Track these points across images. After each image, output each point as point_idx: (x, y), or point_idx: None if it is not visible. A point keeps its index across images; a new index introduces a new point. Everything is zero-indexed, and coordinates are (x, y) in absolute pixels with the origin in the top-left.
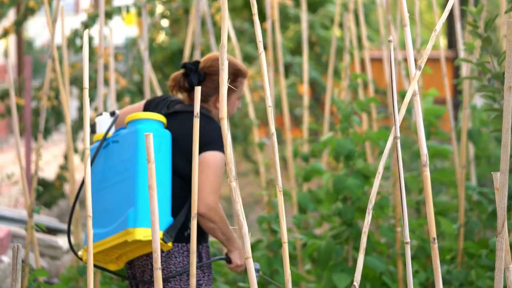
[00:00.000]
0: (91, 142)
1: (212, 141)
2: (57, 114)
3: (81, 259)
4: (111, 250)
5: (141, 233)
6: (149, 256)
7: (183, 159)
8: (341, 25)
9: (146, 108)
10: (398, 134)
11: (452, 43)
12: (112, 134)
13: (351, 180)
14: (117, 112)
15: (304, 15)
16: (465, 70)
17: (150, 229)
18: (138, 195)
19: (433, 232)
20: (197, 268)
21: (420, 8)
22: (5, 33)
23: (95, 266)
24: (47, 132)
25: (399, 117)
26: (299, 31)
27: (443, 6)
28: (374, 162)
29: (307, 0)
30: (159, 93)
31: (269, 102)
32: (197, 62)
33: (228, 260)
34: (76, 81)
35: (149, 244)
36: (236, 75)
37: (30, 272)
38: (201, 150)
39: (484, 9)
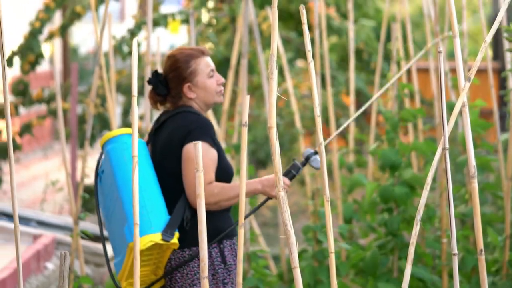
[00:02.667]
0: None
1: (189, 132)
2: (102, 121)
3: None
4: (141, 270)
5: (140, 244)
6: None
7: (172, 159)
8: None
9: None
10: (447, 145)
11: (497, 54)
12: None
13: (398, 189)
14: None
15: (351, 25)
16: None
17: (148, 235)
18: (127, 210)
19: (481, 244)
20: (222, 266)
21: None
22: (51, 36)
23: None
24: (92, 139)
25: (448, 128)
26: (342, 43)
27: (488, 17)
28: (419, 173)
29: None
30: None
31: (318, 111)
32: (155, 73)
33: (271, 198)
34: (120, 87)
35: (164, 251)
36: (187, 61)
37: (75, 279)
38: (182, 145)
39: None
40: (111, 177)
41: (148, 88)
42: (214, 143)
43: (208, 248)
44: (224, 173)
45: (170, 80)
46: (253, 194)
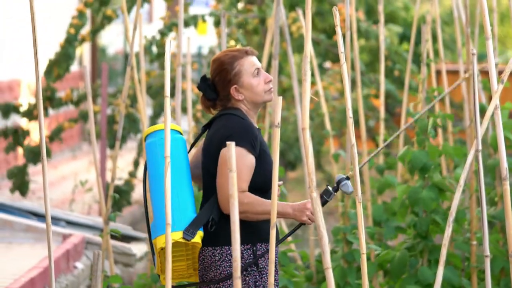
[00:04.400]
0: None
1: (228, 137)
2: (132, 122)
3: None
4: (175, 265)
5: (160, 241)
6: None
7: (210, 159)
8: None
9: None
10: (480, 147)
11: None
12: None
13: (426, 192)
14: None
15: (382, 28)
16: None
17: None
18: (154, 206)
19: None
20: (255, 268)
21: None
22: (82, 41)
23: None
24: (122, 140)
25: (481, 131)
26: (369, 46)
27: None
28: (448, 175)
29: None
30: None
31: (350, 113)
32: (203, 78)
33: (302, 224)
34: (149, 89)
35: (191, 249)
36: (231, 63)
37: (104, 278)
38: (220, 147)
39: None
40: (150, 172)
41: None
42: (254, 150)
43: (241, 248)
44: (265, 177)
45: (217, 83)
46: (282, 217)
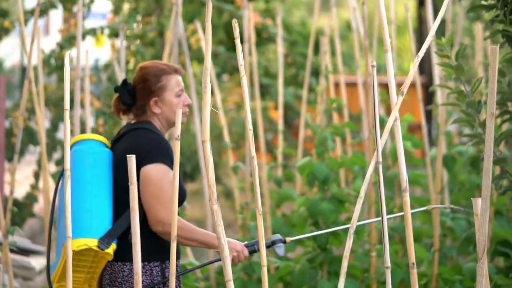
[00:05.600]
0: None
1: (148, 152)
2: (29, 135)
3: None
4: (74, 276)
5: (74, 244)
6: (113, 270)
7: (125, 173)
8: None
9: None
10: (380, 159)
11: (423, 69)
12: None
13: (325, 204)
14: None
15: (280, 39)
16: (439, 96)
17: (84, 239)
18: (74, 211)
19: (412, 257)
20: (161, 286)
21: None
22: None
23: None
24: (21, 153)
25: (381, 142)
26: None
27: (414, 30)
28: (347, 187)
29: (284, 22)
30: None
31: (250, 125)
32: (124, 81)
33: (217, 260)
34: (48, 101)
35: (99, 260)
36: (158, 75)
37: None
38: (141, 166)
39: (453, 37)
40: (72, 176)
41: (77, 102)
42: (172, 166)
43: (150, 265)
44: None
45: (138, 90)
46: (208, 247)
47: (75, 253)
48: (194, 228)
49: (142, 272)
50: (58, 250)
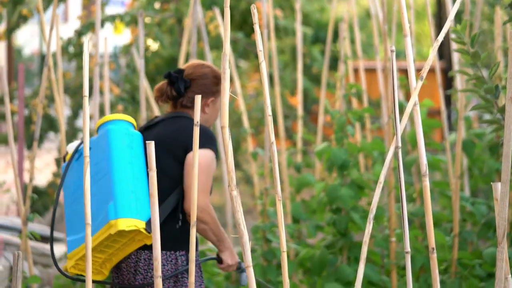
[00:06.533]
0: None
1: (200, 136)
2: (49, 122)
3: (63, 273)
4: (94, 255)
5: (123, 223)
6: (138, 258)
7: (169, 159)
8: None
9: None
10: (400, 144)
11: (441, 54)
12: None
13: (345, 190)
14: None
15: (299, 26)
16: (459, 81)
17: (133, 219)
18: (116, 188)
19: (432, 242)
20: (186, 274)
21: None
22: None
23: (78, 279)
24: (40, 140)
25: (400, 127)
26: (289, 44)
27: (433, 15)
28: (366, 172)
29: (302, 10)
30: (153, 101)
31: (269, 111)
32: (181, 70)
33: (219, 260)
34: (67, 89)
35: (132, 243)
36: (219, 78)
37: (23, 279)
38: (188, 151)
39: (468, 24)
40: (105, 155)
41: (97, 89)
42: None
43: (176, 254)
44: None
45: (196, 84)
46: (218, 248)
47: (117, 233)
48: (220, 226)
49: (168, 261)
50: (77, 227)
